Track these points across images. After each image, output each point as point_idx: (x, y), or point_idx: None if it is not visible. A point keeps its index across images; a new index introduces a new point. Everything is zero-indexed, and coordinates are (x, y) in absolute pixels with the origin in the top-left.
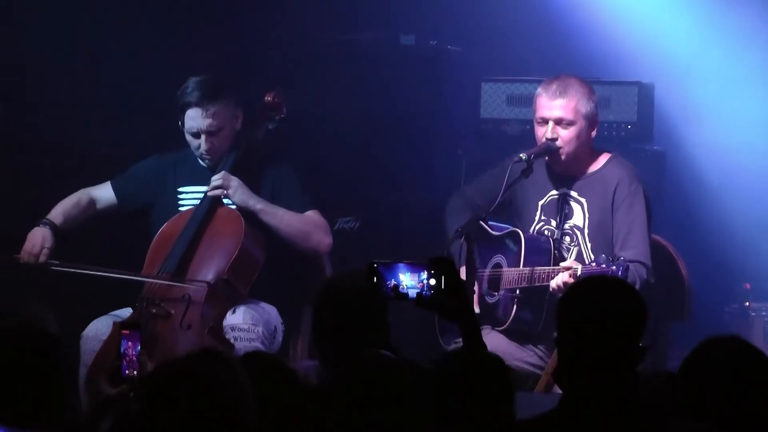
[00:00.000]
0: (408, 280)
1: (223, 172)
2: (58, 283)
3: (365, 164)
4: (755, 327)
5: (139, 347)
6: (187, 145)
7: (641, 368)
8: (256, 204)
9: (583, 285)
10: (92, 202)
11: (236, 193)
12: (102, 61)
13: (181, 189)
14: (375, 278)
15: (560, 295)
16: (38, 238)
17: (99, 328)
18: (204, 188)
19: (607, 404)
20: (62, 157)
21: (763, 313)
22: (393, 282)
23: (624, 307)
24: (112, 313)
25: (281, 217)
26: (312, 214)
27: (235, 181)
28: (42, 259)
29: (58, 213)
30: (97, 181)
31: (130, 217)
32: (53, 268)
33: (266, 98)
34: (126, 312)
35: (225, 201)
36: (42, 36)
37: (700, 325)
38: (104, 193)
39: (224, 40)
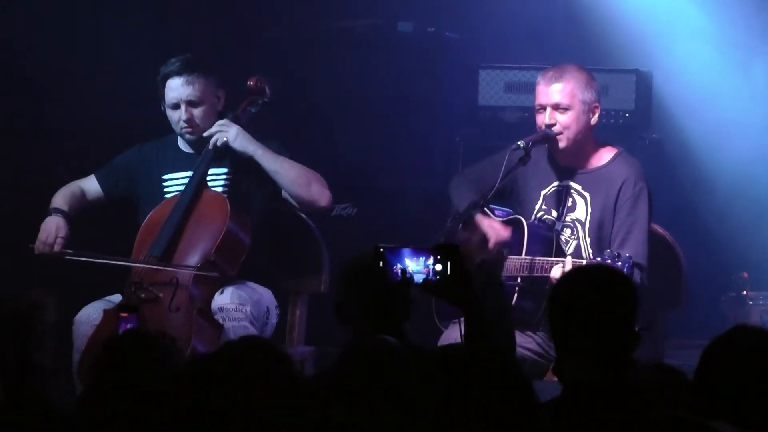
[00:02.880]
0: (414, 265)
1: (224, 119)
2: (49, 269)
3: (362, 151)
4: (752, 315)
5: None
6: (169, 132)
7: (638, 355)
8: (257, 149)
9: (572, 273)
10: (83, 194)
11: (236, 139)
12: (100, 46)
13: (165, 176)
14: (381, 263)
15: None
16: (52, 228)
17: (91, 314)
18: (187, 174)
19: (602, 391)
20: (61, 144)
21: (761, 302)
22: (399, 266)
23: (613, 292)
24: (105, 298)
25: (282, 162)
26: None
27: (234, 128)
28: (57, 248)
29: (63, 202)
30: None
31: (115, 206)
32: (68, 257)
33: (249, 83)
34: (117, 297)
35: (210, 183)
36: (42, 22)
37: (697, 313)
38: (90, 185)
39: (218, 27)
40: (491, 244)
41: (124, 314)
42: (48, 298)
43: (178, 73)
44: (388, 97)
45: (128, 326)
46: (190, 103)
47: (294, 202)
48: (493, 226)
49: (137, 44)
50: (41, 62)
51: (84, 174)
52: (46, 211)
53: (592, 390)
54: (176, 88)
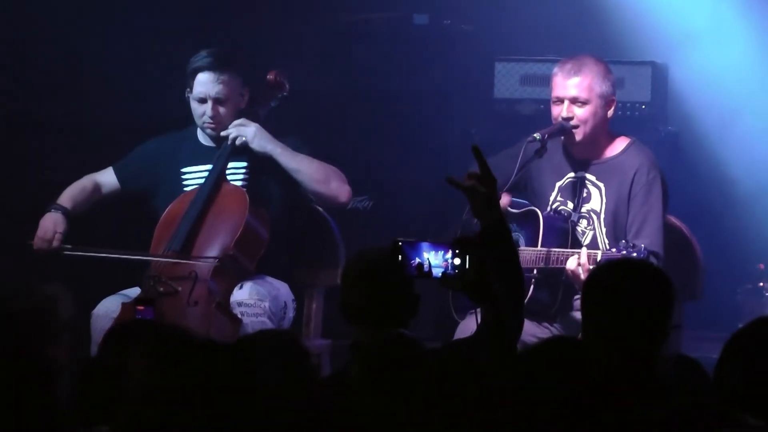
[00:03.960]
0: (432, 259)
1: (242, 118)
2: (67, 264)
3: (378, 144)
4: None
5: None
6: (188, 124)
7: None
8: (275, 148)
9: (613, 268)
10: (97, 187)
11: (255, 139)
12: (109, 41)
13: (184, 169)
14: (399, 257)
15: (573, 276)
16: (50, 224)
17: (109, 307)
18: (207, 167)
19: (637, 386)
20: (69, 138)
21: None
22: (417, 260)
23: (656, 290)
24: (122, 292)
25: (301, 160)
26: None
27: (252, 126)
28: (55, 244)
29: (67, 198)
30: (104, 161)
31: (134, 199)
32: (66, 252)
33: (268, 77)
34: (135, 291)
35: (229, 177)
36: (49, 15)
37: (713, 305)
38: (107, 178)
39: (236, 20)
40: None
41: (140, 307)
42: (64, 293)
43: (210, 69)
44: (403, 90)
45: (144, 318)
46: (217, 101)
47: (313, 198)
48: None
49: (147, 39)
50: (48, 57)
51: (94, 169)
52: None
53: (619, 378)
54: (205, 83)
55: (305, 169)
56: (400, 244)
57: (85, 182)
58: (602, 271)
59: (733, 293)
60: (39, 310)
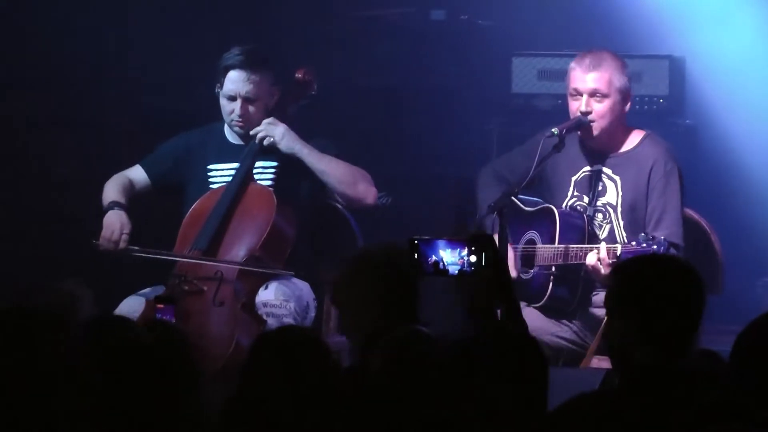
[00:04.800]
0: (448, 257)
1: (270, 117)
2: (90, 262)
3: (396, 140)
4: None
5: (174, 321)
6: (210, 120)
7: None
8: (303, 149)
9: (644, 262)
10: (132, 184)
11: (283, 139)
12: (132, 38)
13: (210, 166)
14: (416, 254)
15: (594, 271)
16: (116, 224)
17: (131, 306)
18: (233, 165)
19: (666, 383)
20: (90, 133)
21: None
22: (433, 258)
23: (688, 284)
24: (143, 291)
25: (328, 162)
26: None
27: (281, 127)
28: (122, 245)
29: (118, 195)
30: (126, 157)
31: (162, 195)
32: (134, 254)
33: (297, 75)
34: (157, 290)
35: (256, 176)
36: (71, 10)
37: (732, 299)
38: (137, 174)
39: (253, 16)
40: None
41: (160, 305)
42: (84, 290)
43: (241, 67)
44: (421, 86)
45: (164, 318)
46: (247, 99)
47: (340, 200)
48: None
49: (166, 36)
50: (65, 53)
51: (112, 166)
52: (74, 203)
53: (653, 374)
54: (236, 81)
55: (332, 170)
56: (416, 242)
57: (122, 179)
58: (632, 265)
59: (752, 287)
60: (58, 307)
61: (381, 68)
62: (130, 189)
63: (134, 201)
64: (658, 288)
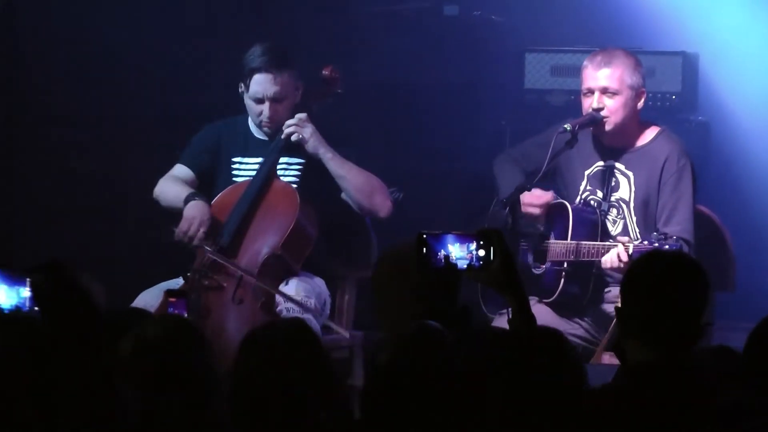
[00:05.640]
0: (457, 251)
1: (304, 114)
2: (106, 255)
3: (408, 135)
4: None
5: (186, 315)
6: (241, 112)
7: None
8: (327, 152)
9: (647, 257)
10: (181, 182)
11: (311, 138)
12: (150, 36)
13: (234, 159)
14: (424, 249)
15: (612, 271)
16: (197, 218)
17: (147, 300)
18: (258, 160)
19: (671, 381)
20: (104, 130)
21: None
22: (442, 253)
23: (695, 284)
24: (160, 285)
25: (349, 169)
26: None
27: (310, 127)
28: (197, 242)
29: (188, 188)
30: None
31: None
32: (209, 255)
33: (324, 72)
34: (174, 284)
35: (280, 173)
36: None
37: (744, 296)
38: (182, 171)
39: (265, 12)
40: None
41: (172, 299)
42: (96, 284)
43: (266, 70)
44: (434, 81)
45: (175, 312)
46: (275, 100)
47: (354, 207)
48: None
49: (182, 31)
50: (84, 49)
51: (132, 161)
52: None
53: (654, 372)
54: (262, 83)
55: (352, 178)
56: (424, 236)
57: (173, 178)
58: (638, 264)
59: (764, 284)
60: None
61: (393, 63)
62: (188, 184)
63: None
64: (660, 285)
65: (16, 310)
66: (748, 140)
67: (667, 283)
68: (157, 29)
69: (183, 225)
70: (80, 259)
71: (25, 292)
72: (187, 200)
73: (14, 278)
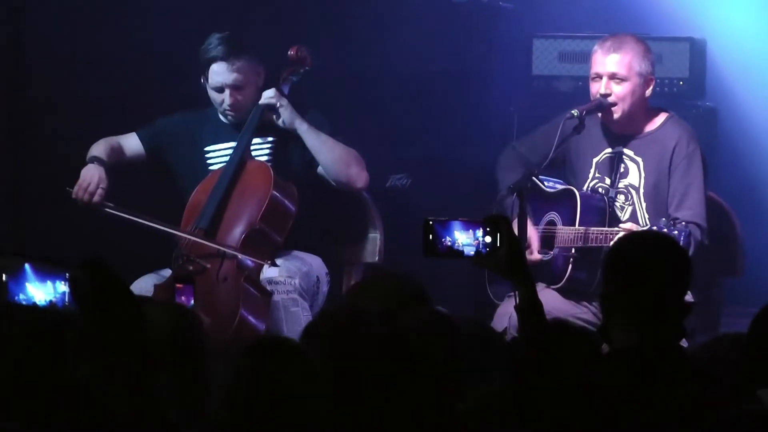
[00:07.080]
0: (463, 238)
1: (273, 89)
2: (101, 240)
3: (417, 121)
4: None
5: (192, 301)
6: (208, 104)
7: (694, 324)
8: (302, 124)
9: (626, 240)
10: (122, 150)
11: (286, 111)
12: (150, 18)
13: (207, 148)
14: (430, 235)
15: None
16: (95, 176)
17: (143, 287)
18: (231, 144)
19: (653, 359)
20: (108, 117)
21: None
22: (448, 239)
23: (667, 260)
24: (153, 272)
25: (325, 140)
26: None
27: (285, 100)
28: (97, 199)
29: (103, 153)
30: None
31: (153, 173)
32: (108, 210)
33: (289, 52)
34: (167, 272)
35: (254, 153)
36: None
37: (753, 281)
38: (131, 142)
39: (279, 4)
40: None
41: (179, 285)
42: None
43: (223, 59)
44: (442, 68)
45: (182, 298)
46: (235, 88)
47: (330, 180)
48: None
49: (185, 18)
50: (86, 36)
51: None
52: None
53: (639, 356)
54: (221, 73)
55: (327, 149)
56: (430, 222)
57: (112, 142)
58: (617, 248)
59: None
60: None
61: (402, 50)
62: (119, 152)
63: (120, 167)
64: (640, 268)
65: (51, 306)
66: (755, 126)
67: (646, 265)
68: (158, 24)
69: (81, 182)
70: (78, 248)
71: (62, 287)
72: (91, 160)
73: (49, 272)
